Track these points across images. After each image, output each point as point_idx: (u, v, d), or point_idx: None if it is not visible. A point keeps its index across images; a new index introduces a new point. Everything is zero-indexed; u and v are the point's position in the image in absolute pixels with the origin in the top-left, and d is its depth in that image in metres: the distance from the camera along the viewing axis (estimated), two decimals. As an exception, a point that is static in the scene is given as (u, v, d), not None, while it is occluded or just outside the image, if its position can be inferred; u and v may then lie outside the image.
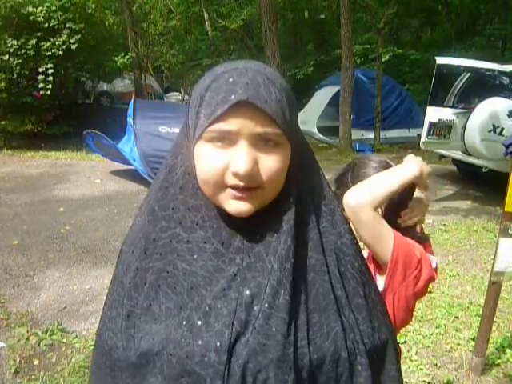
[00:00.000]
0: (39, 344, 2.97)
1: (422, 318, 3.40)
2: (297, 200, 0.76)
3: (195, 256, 0.74)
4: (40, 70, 9.46)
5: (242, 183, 0.69)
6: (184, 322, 0.72)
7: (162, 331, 0.73)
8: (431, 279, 1.23)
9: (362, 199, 1.15)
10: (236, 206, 0.71)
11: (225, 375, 0.69)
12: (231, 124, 0.68)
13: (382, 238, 1.18)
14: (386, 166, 1.33)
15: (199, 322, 0.72)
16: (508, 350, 2.99)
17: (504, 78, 6.98)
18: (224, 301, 0.72)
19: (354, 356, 0.76)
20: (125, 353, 0.76)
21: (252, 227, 0.74)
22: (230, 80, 0.69)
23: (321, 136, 11.37)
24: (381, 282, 1.21)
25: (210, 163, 0.70)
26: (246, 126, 0.68)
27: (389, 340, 0.83)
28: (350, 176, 1.36)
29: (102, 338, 0.81)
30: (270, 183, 0.71)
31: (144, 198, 0.84)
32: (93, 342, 2.99)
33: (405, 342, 3.07)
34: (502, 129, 5.85)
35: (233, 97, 0.67)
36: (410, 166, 1.22)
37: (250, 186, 0.70)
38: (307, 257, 0.76)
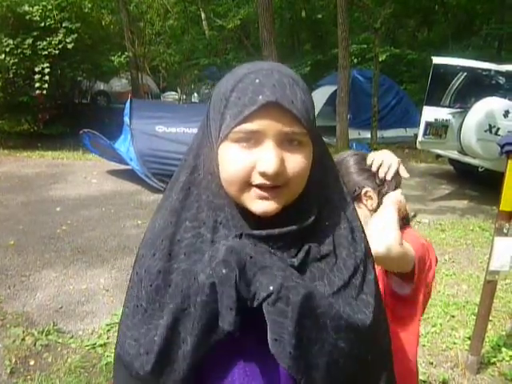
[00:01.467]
0: (35, 344, 2.97)
1: (418, 317, 3.40)
2: (317, 197, 0.78)
3: None
4: (36, 69, 9.44)
5: (268, 182, 0.70)
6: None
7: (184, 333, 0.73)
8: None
9: (387, 241, 1.15)
10: (262, 205, 0.72)
11: None
12: (258, 124, 0.69)
13: (407, 259, 1.21)
14: (363, 158, 1.37)
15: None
16: (503, 349, 3.00)
17: (500, 77, 7.01)
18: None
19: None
20: (148, 357, 0.74)
21: (275, 225, 0.74)
22: (257, 81, 0.70)
23: (318, 135, 11.36)
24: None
25: (236, 163, 0.71)
26: (272, 126, 0.69)
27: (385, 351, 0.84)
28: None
29: (120, 348, 0.79)
30: (294, 181, 0.72)
31: (160, 202, 0.83)
32: (89, 342, 3.00)
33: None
34: (498, 128, 5.86)
35: (261, 97, 0.68)
36: (390, 206, 1.25)
37: (276, 184, 0.70)
38: (320, 251, 0.77)
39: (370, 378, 0.80)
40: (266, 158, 0.69)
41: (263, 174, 0.69)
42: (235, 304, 0.67)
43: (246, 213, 0.75)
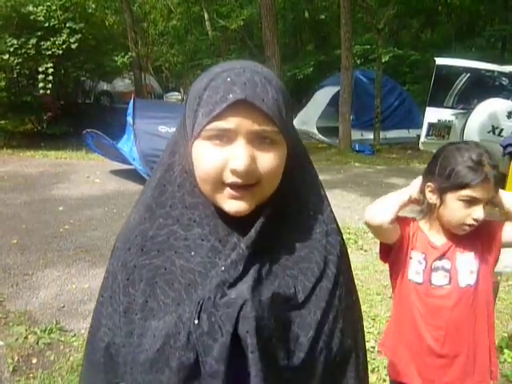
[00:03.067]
0: (37, 343, 2.97)
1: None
2: (290, 197, 0.78)
3: (192, 253, 0.75)
4: (40, 69, 9.47)
5: (240, 180, 0.70)
6: (183, 319, 0.73)
7: (160, 327, 0.74)
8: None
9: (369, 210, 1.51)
10: (234, 205, 0.72)
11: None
12: (229, 122, 0.69)
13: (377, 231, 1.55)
14: (478, 164, 1.35)
15: (196, 321, 0.72)
16: (505, 351, 2.99)
17: (503, 78, 7.00)
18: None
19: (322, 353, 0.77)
20: (125, 349, 0.77)
21: (249, 224, 0.75)
22: (228, 79, 0.70)
23: (320, 136, 11.37)
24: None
25: (208, 161, 0.71)
26: (243, 124, 0.69)
27: (352, 349, 0.83)
28: (438, 168, 1.42)
29: (95, 335, 0.82)
30: (267, 180, 0.72)
31: (139, 196, 0.85)
32: (91, 341, 3.00)
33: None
34: (502, 129, 5.86)
35: (231, 96, 0.69)
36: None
37: (247, 183, 0.71)
38: (295, 250, 0.78)
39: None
40: (236, 156, 0.69)
41: (234, 172, 0.70)
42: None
43: (219, 212, 0.75)
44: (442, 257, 1.46)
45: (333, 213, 0.85)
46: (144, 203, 0.81)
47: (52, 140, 10.27)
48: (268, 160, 0.71)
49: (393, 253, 1.53)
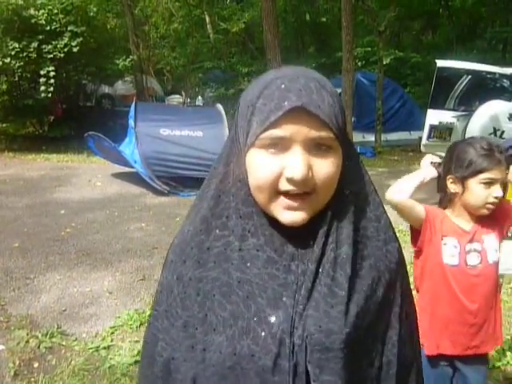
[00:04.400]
0: (39, 347, 2.97)
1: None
2: (348, 205, 0.76)
3: (248, 264, 0.74)
4: (42, 72, 9.49)
5: (296, 188, 0.69)
6: (245, 333, 0.72)
7: (225, 343, 0.73)
8: None
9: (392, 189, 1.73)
10: (290, 216, 0.71)
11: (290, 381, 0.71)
12: (285, 130, 0.68)
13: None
14: (489, 151, 1.62)
15: (263, 334, 0.71)
16: (508, 353, 2.98)
17: (505, 80, 7.00)
18: (282, 308, 0.72)
19: (388, 366, 0.77)
20: (186, 364, 0.75)
21: (305, 233, 0.74)
22: (283, 86, 0.69)
23: (322, 139, 11.36)
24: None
25: (264, 169, 0.70)
26: (299, 132, 0.68)
27: (414, 360, 0.83)
28: (455, 162, 1.68)
29: (152, 350, 0.80)
30: (323, 188, 0.71)
31: (190, 208, 0.84)
32: (93, 345, 2.99)
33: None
34: (503, 132, 5.86)
35: (286, 103, 0.67)
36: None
37: (303, 191, 0.69)
38: (357, 263, 0.76)
39: None
40: (293, 164, 0.68)
41: (290, 180, 0.68)
42: None
43: (274, 221, 0.73)
44: (472, 240, 1.70)
45: (389, 219, 0.83)
46: (199, 214, 0.79)
47: (53, 143, 10.29)
48: (324, 167, 0.70)
49: (422, 239, 1.73)
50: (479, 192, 1.64)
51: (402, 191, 1.69)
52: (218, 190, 0.78)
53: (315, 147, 0.70)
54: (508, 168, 1.67)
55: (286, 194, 0.70)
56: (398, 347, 0.78)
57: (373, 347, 0.75)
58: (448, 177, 1.70)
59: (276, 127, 0.68)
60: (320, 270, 0.73)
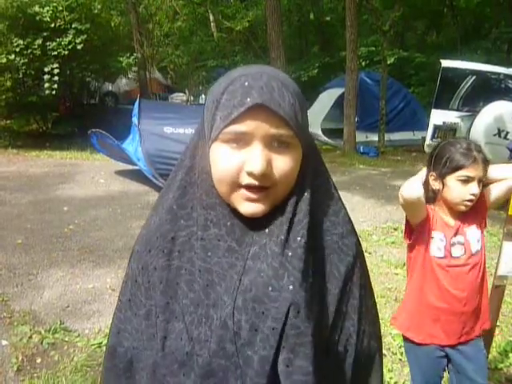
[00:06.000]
0: (42, 342, 2.98)
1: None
2: (307, 199, 0.79)
3: (209, 253, 0.76)
4: (46, 69, 9.51)
5: (256, 182, 0.72)
6: (203, 320, 0.74)
7: (184, 330, 0.75)
8: None
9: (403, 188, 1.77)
10: (250, 207, 0.74)
11: (240, 363, 0.72)
12: (246, 126, 0.71)
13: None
14: (468, 150, 1.70)
15: (217, 322, 0.73)
16: (511, 355, 2.98)
17: (509, 81, 6.98)
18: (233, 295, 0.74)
19: (344, 353, 0.79)
20: (146, 352, 0.77)
21: (265, 224, 0.76)
22: (246, 84, 0.72)
23: (325, 138, 11.36)
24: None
25: (225, 163, 0.73)
26: (260, 128, 0.71)
27: (376, 351, 0.86)
28: (436, 160, 1.76)
29: (114, 340, 0.82)
30: (282, 182, 0.74)
31: (157, 200, 0.86)
32: (95, 341, 3.00)
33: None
34: (507, 132, 5.84)
35: (248, 100, 0.70)
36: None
37: (263, 185, 0.72)
38: (313, 253, 0.78)
39: None
40: (253, 159, 0.71)
41: (250, 174, 0.71)
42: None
43: (236, 212, 0.76)
44: (456, 233, 1.79)
45: (347, 214, 0.85)
46: (165, 205, 0.81)
47: (57, 140, 10.31)
48: (283, 163, 0.73)
49: (415, 233, 1.82)
50: (457, 189, 1.71)
51: (419, 188, 1.73)
52: (183, 181, 0.80)
53: (275, 144, 0.73)
54: (487, 167, 1.72)
55: (247, 187, 0.72)
56: (355, 338, 0.80)
57: (322, 335, 0.76)
58: (429, 174, 1.80)
59: (238, 123, 0.71)
60: (264, 252, 0.75)
